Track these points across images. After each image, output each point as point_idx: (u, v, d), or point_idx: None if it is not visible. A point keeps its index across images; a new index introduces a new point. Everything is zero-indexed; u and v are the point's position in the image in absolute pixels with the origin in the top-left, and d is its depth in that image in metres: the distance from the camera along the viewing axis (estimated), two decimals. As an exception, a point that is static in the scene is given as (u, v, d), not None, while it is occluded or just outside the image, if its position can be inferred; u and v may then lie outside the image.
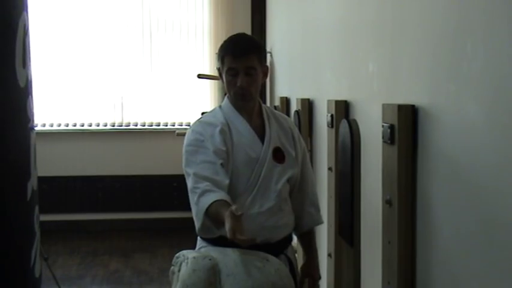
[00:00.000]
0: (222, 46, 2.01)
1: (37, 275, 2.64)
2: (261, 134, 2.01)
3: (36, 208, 2.67)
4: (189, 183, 1.87)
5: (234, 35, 2.05)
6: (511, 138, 1.17)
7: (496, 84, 1.23)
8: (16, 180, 2.49)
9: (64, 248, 5.32)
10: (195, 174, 1.85)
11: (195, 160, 1.89)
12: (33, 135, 2.68)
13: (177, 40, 5.90)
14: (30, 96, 2.63)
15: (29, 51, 2.61)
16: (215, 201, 1.76)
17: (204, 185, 1.81)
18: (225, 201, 1.76)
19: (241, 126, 1.98)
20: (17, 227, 2.48)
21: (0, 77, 2.35)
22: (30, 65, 2.62)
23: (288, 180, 2.01)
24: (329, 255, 2.57)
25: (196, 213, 1.83)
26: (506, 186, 1.19)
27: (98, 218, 5.89)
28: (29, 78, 2.61)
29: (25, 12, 2.52)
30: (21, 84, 2.50)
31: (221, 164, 1.87)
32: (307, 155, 2.18)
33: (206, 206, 1.77)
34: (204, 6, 5.89)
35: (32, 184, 2.61)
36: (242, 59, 1.93)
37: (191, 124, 2.05)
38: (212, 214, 1.77)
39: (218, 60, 2.02)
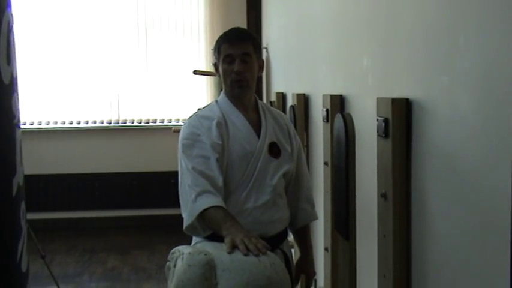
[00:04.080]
0: (218, 39, 2.03)
1: (24, 269, 2.66)
2: (257, 128, 2.02)
3: (23, 204, 2.69)
4: (187, 178, 1.87)
5: (229, 29, 2.08)
6: (504, 131, 1.17)
7: (489, 77, 1.24)
8: (1, 176, 2.51)
9: (62, 245, 5.32)
10: (194, 169, 1.86)
11: (190, 153, 1.90)
12: (18, 132, 2.69)
13: (172, 37, 5.89)
14: (15, 93, 2.64)
15: (14, 48, 2.62)
16: (212, 206, 1.79)
17: (203, 183, 1.83)
18: (222, 208, 1.80)
19: (238, 120, 1.99)
20: (2, 223, 2.50)
21: None
22: (15, 62, 2.63)
23: (283, 176, 2.02)
24: (325, 249, 2.58)
25: (190, 211, 1.83)
26: (499, 178, 1.20)
27: (95, 215, 5.89)
28: (14, 75, 2.61)
29: (8, 10, 2.53)
30: (6, 81, 2.51)
31: (216, 160, 1.88)
32: (303, 151, 2.19)
33: (202, 208, 1.79)
34: (200, 3, 5.88)
35: (18, 180, 2.62)
36: (238, 45, 1.95)
37: (187, 118, 2.06)
38: (206, 219, 1.80)
39: (214, 53, 2.03)
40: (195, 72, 5.26)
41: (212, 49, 2.09)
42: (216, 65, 2.03)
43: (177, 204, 1.95)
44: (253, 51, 1.98)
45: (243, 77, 1.96)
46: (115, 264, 4.85)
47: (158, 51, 5.88)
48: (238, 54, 1.94)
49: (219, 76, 2.02)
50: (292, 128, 2.14)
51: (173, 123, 5.89)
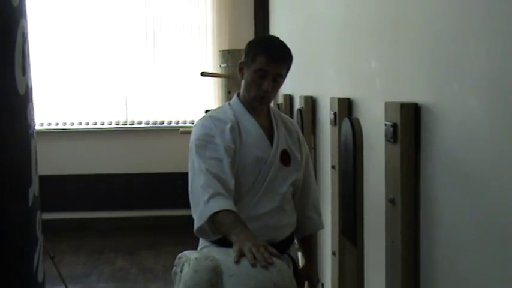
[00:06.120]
0: (256, 44, 1.98)
1: (40, 279, 2.64)
2: (268, 133, 2.01)
3: (38, 213, 2.68)
4: (200, 179, 1.84)
5: (270, 38, 2.05)
6: (513, 137, 1.16)
7: (499, 83, 1.22)
8: (17, 186, 2.50)
9: (70, 246, 5.34)
10: (207, 171, 1.83)
11: (203, 154, 1.87)
12: (33, 141, 2.68)
13: (180, 38, 5.90)
14: (30, 103, 2.64)
15: (29, 58, 2.61)
16: (223, 210, 1.77)
17: (216, 185, 1.81)
18: (233, 212, 1.78)
19: (250, 125, 1.97)
20: (18, 233, 2.49)
21: (0, 85, 2.36)
22: (30, 72, 2.62)
23: (291, 184, 2.01)
24: (333, 253, 2.56)
25: (202, 213, 1.81)
26: (510, 184, 1.18)
27: (103, 216, 5.91)
28: (29, 85, 2.61)
29: (23, 20, 2.53)
30: (21, 91, 2.51)
31: (229, 163, 1.86)
32: (310, 159, 2.18)
33: (214, 210, 1.77)
34: (207, 4, 5.89)
35: (34, 190, 2.61)
36: (276, 64, 1.92)
37: (198, 119, 2.02)
38: (216, 222, 1.78)
39: (247, 56, 1.96)
40: (203, 74, 5.26)
41: (247, 48, 1.97)
42: (242, 65, 1.98)
43: (184, 205, 1.93)
44: (286, 71, 1.98)
45: (267, 95, 1.95)
46: (123, 264, 4.86)
47: (166, 52, 5.89)
48: (273, 73, 1.92)
49: (241, 77, 1.99)
50: (301, 135, 2.13)
51: (180, 124, 5.90)
